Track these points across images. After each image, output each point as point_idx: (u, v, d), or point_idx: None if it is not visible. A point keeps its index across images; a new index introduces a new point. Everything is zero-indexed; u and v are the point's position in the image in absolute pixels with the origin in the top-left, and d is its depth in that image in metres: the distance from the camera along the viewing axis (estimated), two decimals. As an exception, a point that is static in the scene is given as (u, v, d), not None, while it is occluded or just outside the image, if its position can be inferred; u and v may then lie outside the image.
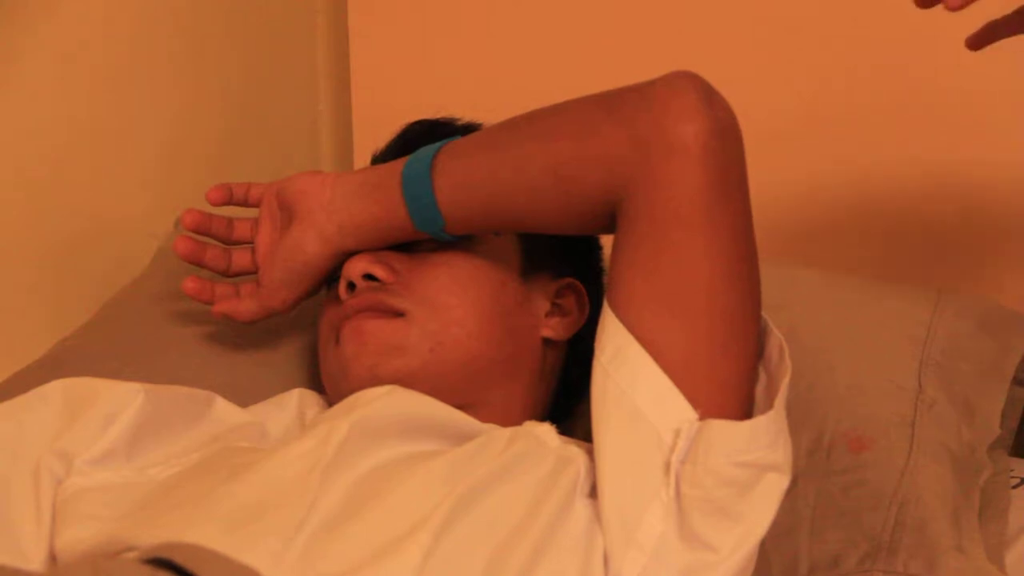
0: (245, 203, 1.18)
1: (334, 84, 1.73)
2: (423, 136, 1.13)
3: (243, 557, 0.82)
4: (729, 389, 0.96)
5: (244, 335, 1.21)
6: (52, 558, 0.96)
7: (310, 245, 1.10)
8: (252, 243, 1.16)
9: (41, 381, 1.05)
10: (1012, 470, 1.21)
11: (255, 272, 1.15)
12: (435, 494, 0.91)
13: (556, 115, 1.02)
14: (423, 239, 1.09)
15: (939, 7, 0.94)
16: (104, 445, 1.00)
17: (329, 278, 1.14)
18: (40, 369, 1.17)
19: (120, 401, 1.01)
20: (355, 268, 1.09)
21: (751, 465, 0.92)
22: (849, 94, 1.38)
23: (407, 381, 1.04)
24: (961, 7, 0.95)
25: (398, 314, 1.07)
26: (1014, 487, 1.19)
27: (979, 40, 1.03)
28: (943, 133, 1.38)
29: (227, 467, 0.97)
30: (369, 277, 1.09)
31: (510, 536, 0.91)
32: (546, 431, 1.00)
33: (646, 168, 0.96)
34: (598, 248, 1.23)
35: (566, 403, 1.18)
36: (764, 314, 1.00)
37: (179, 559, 0.75)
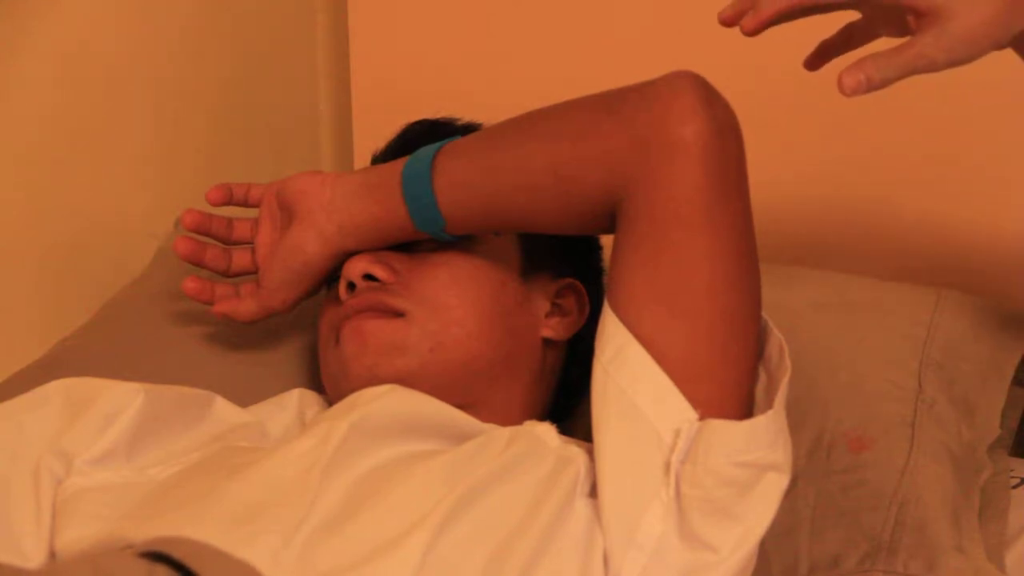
0: (245, 203, 1.18)
1: (334, 84, 1.73)
2: (423, 136, 1.13)
3: (242, 555, 0.82)
4: (729, 389, 0.96)
5: (244, 335, 1.21)
6: (52, 558, 0.96)
7: (310, 245, 1.10)
8: (252, 243, 1.16)
9: (41, 381, 1.05)
10: (1012, 470, 1.20)
11: (255, 272, 1.15)
12: (435, 493, 0.91)
13: (556, 115, 1.02)
14: (423, 239, 1.09)
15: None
16: (104, 445, 1.00)
17: (329, 278, 1.14)
18: (40, 369, 1.17)
19: (120, 401, 1.01)
20: (355, 268, 1.09)
21: (751, 465, 0.92)
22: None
23: (407, 381, 1.04)
24: (754, 32, 0.95)
25: (398, 314, 1.07)
26: (1014, 487, 1.19)
27: (815, 61, 1.03)
28: (944, 132, 1.38)
29: (227, 466, 0.97)
30: (369, 277, 1.09)
31: (510, 536, 0.91)
32: (546, 431, 1.00)
33: (646, 168, 0.96)
34: (598, 248, 1.23)
35: (566, 403, 1.18)
36: (764, 314, 1.00)
37: (177, 554, 0.76)
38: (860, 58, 0.91)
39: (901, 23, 0.96)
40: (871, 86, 0.91)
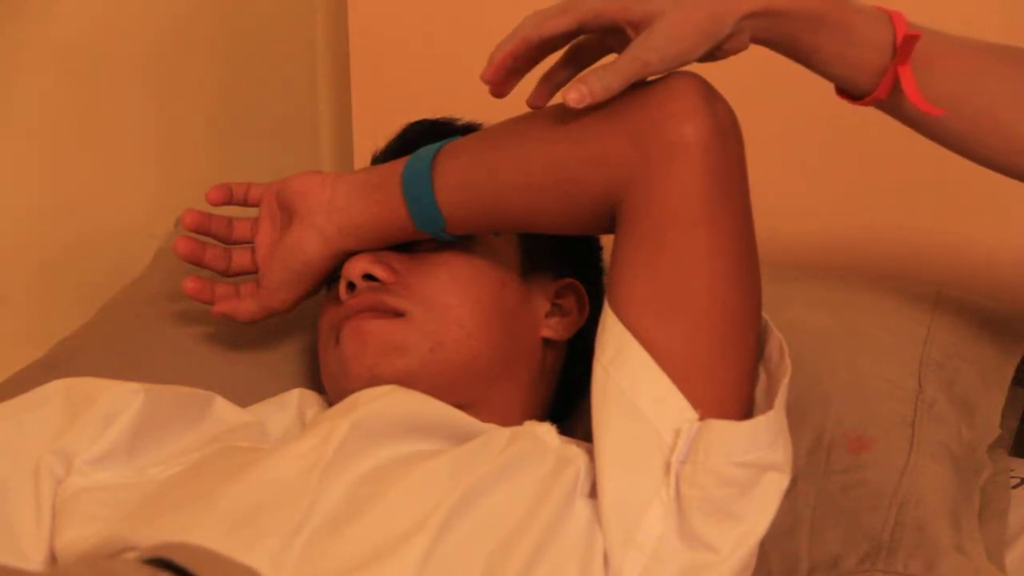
0: (245, 203, 1.18)
1: (334, 84, 1.73)
2: (423, 136, 1.13)
3: (243, 558, 0.82)
4: (729, 389, 0.96)
5: (244, 335, 1.21)
6: (52, 558, 0.96)
7: (310, 245, 1.10)
8: (252, 243, 1.16)
9: (41, 381, 1.05)
10: (1012, 470, 1.20)
11: (255, 272, 1.15)
12: (435, 494, 0.91)
13: (556, 116, 1.02)
14: (423, 239, 1.09)
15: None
16: (104, 445, 1.00)
17: (329, 278, 1.14)
18: (40, 369, 1.17)
19: (120, 401, 1.01)
20: (355, 268, 1.09)
21: (751, 465, 0.92)
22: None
23: (407, 381, 1.04)
24: (493, 81, 1.00)
25: (398, 314, 1.07)
26: (1014, 487, 1.19)
27: (539, 97, 1.04)
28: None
29: (227, 467, 0.97)
30: (369, 277, 1.09)
31: (510, 536, 0.91)
32: (546, 431, 1.00)
33: (646, 168, 0.96)
34: (598, 248, 1.23)
35: (566, 403, 1.18)
36: (764, 314, 1.00)
37: (179, 559, 0.75)
38: (582, 72, 0.96)
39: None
40: (595, 97, 0.94)
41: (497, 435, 0.99)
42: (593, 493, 0.96)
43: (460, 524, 0.90)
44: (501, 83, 1.01)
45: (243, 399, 1.12)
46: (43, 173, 1.35)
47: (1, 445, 0.99)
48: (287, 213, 1.13)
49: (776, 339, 0.99)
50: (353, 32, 1.63)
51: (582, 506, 0.95)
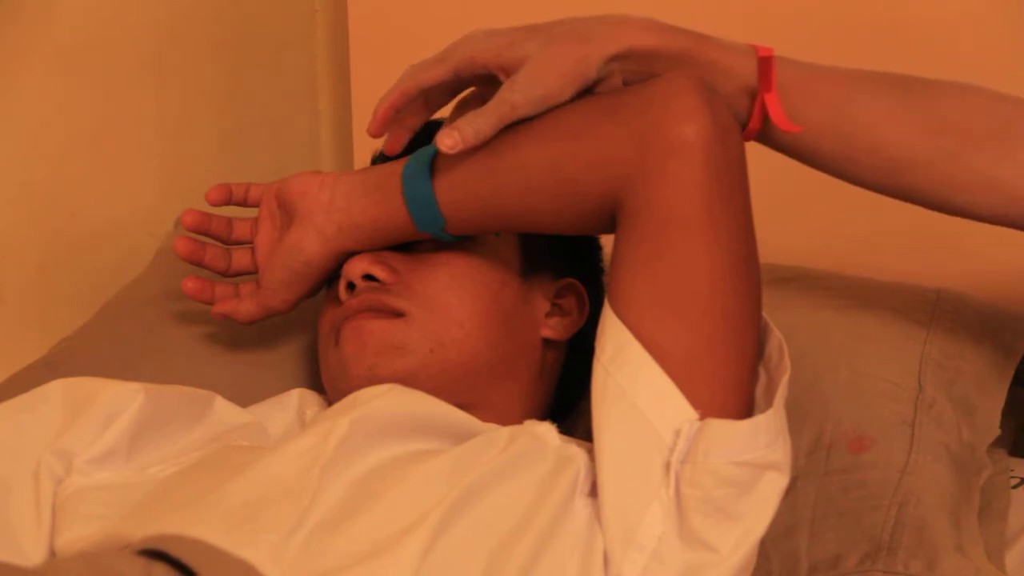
0: (244, 203, 1.18)
1: (334, 84, 1.73)
2: (423, 136, 1.13)
3: (242, 554, 0.82)
4: (729, 389, 0.96)
5: (243, 335, 1.21)
6: (52, 558, 0.96)
7: (309, 245, 1.10)
8: (252, 243, 1.16)
9: (41, 381, 1.05)
10: (1012, 470, 1.21)
11: (255, 272, 1.15)
12: (435, 492, 0.91)
13: (556, 116, 1.02)
14: (423, 239, 1.09)
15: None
16: (104, 445, 0.99)
17: (329, 278, 1.14)
18: (40, 369, 1.17)
19: (120, 401, 1.01)
20: (355, 268, 1.09)
21: (750, 465, 0.92)
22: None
23: (407, 381, 1.04)
24: (379, 133, 1.04)
25: (398, 314, 1.07)
26: (1014, 487, 1.19)
27: (384, 129, 1.06)
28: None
29: (227, 466, 0.97)
30: (369, 277, 1.09)
31: (509, 535, 0.91)
32: (546, 430, 1.00)
33: (646, 168, 0.96)
34: (598, 248, 1.23)
35: (566, 402, 1.18)
36: (764, 314, 1.00)
37: (174, 551, 0.75)
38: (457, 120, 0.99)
39: None
40: (467, 142, 0.98)
41: (497, 435, 0.99)
42: (593, 493, 0.96)
43: (460, 522, 0.90)
44: (392, 138, 1.05)
45: (243, 399, 1.12)
46: (43, 173, 1.35)
47: (1, 445, 0.99)
48: (287, 213, 1.13)
49: (776, 339, 0.99)
50: (353, 32, 1.63)
51: (582, 506, 0.95)
